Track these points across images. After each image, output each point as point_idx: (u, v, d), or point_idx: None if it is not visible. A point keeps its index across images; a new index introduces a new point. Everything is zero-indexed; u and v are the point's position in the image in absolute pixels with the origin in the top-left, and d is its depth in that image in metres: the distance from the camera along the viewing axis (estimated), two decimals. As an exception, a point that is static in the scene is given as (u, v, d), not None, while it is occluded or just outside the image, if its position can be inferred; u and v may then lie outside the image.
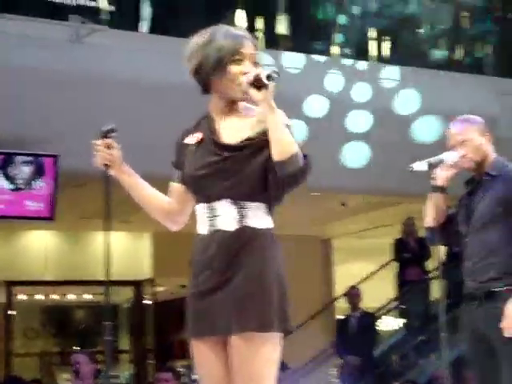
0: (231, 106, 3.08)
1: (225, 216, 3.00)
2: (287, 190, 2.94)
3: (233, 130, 3.03)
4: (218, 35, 3.06)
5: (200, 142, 3.11)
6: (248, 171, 2.94)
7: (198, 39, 3.11)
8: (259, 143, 2.95)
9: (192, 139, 3.14)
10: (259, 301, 2.88)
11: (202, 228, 3.12)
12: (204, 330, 3.01)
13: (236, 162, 2.96)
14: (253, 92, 2.92)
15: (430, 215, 4.19)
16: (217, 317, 2.96)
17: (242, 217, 2.97)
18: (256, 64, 3.02)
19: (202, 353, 3.04)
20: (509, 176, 3.97)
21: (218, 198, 3.00)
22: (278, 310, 2.89)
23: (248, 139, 2.98)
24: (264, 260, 2.93)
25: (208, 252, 3.05)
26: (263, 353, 2.86)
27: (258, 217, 2.97)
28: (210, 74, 3.06)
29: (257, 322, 2.86)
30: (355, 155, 9.54)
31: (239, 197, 2.97)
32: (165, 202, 3.25)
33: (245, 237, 2.95)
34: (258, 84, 2.91)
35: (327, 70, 9.51)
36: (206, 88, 3.11)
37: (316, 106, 9.18)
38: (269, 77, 2.88)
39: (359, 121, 9.57)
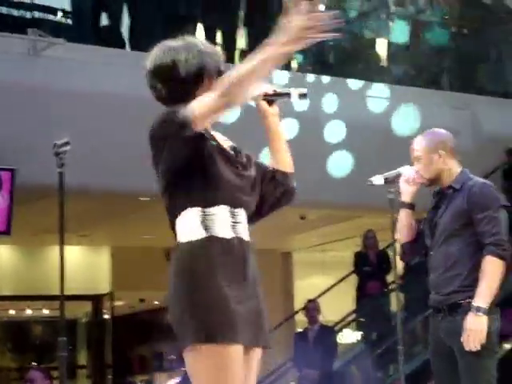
0: None
1: (244, 225, 2.89)
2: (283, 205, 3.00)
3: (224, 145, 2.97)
4: (200, 45, 2.93)
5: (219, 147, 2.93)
6: (258, 189, 2.97)
7: (196, 42, 2.93)
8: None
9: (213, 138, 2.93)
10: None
11: (224, 231, 2.82)
12: (252, 339, 2.80)
13: (252, 178, 2.95)
14: (264, 105, 2.97)
15: (400, 232, 4.21)
16: (259, 328, 2.83)
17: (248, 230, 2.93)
18: None
19: (239, 360, 2.76)
20: (469, 189, 3.99)
21: (241, 206, 2.88)
22: None
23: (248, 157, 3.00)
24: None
25: (237, 257, 2.82)
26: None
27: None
28: (203, 81, 2.87)
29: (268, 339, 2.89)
30: (314, 169, 9.57)
31: (250, 210, 2.93)
32: None
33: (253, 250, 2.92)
34: (270, 98, 2.99)
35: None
36: (185, 97, 2.84)
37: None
38: (302, 95, 3.01)
39: (322, 134, 9.60)
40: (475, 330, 3.83)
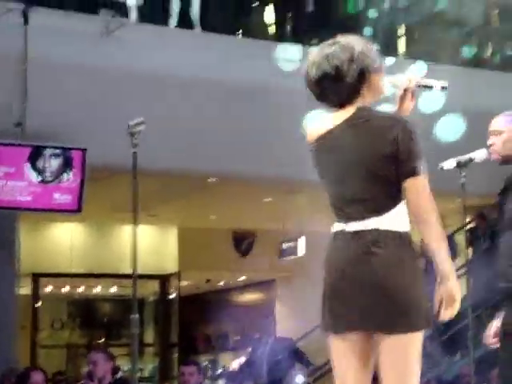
0: None
1: None
2: None
3: None
4: (369, 44, 3.10)
5: None
6: None
7: (352, 44, 3.05)
8: None
9: None
10: None
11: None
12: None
13: None
14: (407, 95, 3.14)
15: None
16: None
17: None
18: None
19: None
20: None
21: None
22: None
23: None
24: None
25: None
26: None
27: None
28: (365, 80, 3.03)
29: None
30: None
31: None
32: None
33: None
34: (416, 89, 3.15)
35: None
36: (353, 95, 3.02)
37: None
38: (444, 88, 3.19)
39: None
40: None
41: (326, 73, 3.00)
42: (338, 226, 3.06)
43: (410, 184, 2.94)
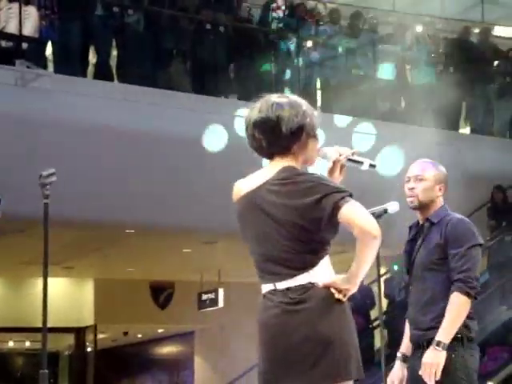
0: None
1: None
2: None
3: None
4: (304, 106, 3.09)
5: None
6: None
7: (300, 102, 3.08)
8: None
9: None
10: None
11: None
12: None
13: None
14: (337, 167, 3.19)
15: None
16: None
17: None
18: None
19: None
20: (446, 224, 4.00)
21: None
22: None
23: None
24: None
25: None
26: None
27: None
28: (300, 138, 3.04)
29: None
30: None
31: None
32: None
33: None
34: (347, 163, 3.20)
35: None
36: (285, 149, 3.03)
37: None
38: (372, 166, 3.24)
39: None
40: (431, 363, 3.83)
41: (267, 118, 3.02)
42: (265, 287, 3.05)
43: (344, 212, 2.93)
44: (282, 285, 2.98)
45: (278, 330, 2.97)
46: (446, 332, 3.84)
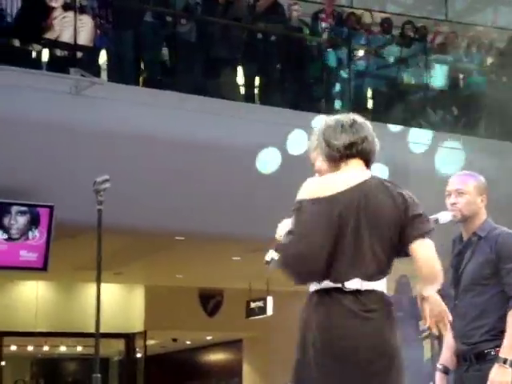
0: None
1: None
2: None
3: None
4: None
5: None
6: None
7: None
8: None
9: None
10: None
11: None
12: None
13: None
14: None
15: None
16: None
17: None
18: None
19: None
20: (496, 239, 3.98)
21: None
22: None
23: None
24: None
25: None
26: None
27: None
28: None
29: None
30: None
31: None
32: None
33: None
34: None
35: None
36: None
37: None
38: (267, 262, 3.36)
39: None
40: (499, 381, 3.80)
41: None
42: (325, 284, 3.09)
43: (418, 244, 3.08)
44: (351, 284, 3.07)
45: (349, 330, 3.04)
46: (509, 349, 3.82)
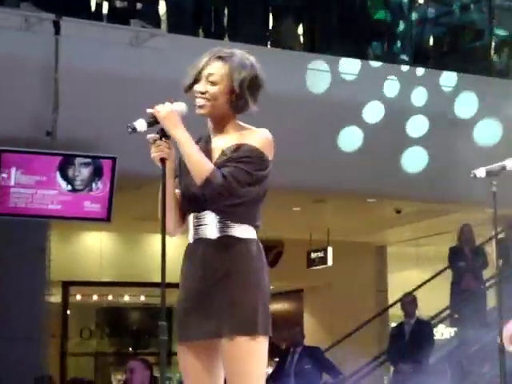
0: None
1: (210, 225, 3.49)
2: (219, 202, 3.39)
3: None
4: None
5: None
6: None
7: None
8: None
9: None
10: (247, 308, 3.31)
11: (189, 236, 3.60)
12: (192, 335, 3.34)
13: None
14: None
15: None
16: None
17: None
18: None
19: (187, 357, 3.35)
20: None
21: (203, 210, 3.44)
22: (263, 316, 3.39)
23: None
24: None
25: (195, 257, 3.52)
26: (253, 354, 3.29)
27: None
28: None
29: (246, 327, 3.29)
30: (412, 161, 9.48)
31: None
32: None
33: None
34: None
35: (384, 76, 9.47)
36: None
37: (373, 112, 9.14)
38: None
39: (417, 126, 9.52)
40: None
41: None
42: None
43: None
44: None
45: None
46: None
